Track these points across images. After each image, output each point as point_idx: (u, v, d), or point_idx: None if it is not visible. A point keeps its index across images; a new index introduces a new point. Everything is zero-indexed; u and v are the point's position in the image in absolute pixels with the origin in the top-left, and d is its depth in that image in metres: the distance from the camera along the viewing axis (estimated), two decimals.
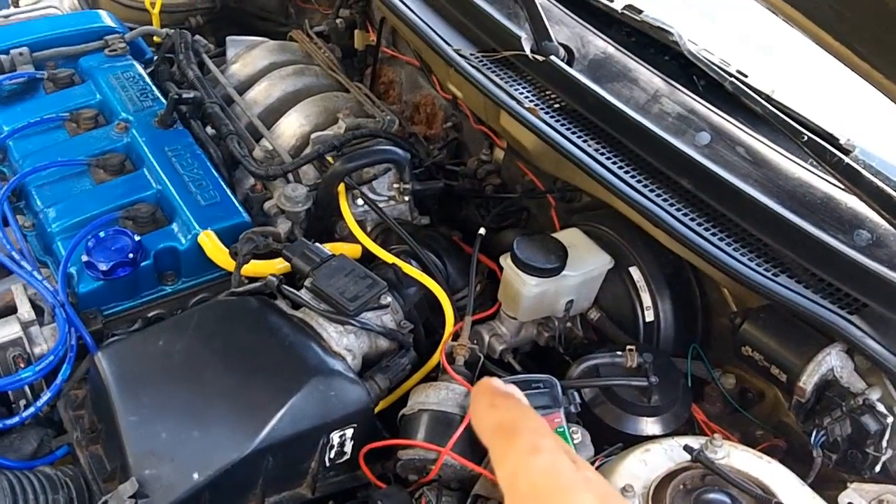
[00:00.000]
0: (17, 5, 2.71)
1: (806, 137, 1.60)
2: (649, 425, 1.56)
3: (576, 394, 1.53)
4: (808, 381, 1.47)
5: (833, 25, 1.26)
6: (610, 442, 1.48)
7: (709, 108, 1.86)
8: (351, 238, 1.91)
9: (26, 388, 1.60)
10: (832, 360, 1.48)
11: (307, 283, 1.66)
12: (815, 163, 1.66)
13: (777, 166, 1.74)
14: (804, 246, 1.55)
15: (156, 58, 2.37)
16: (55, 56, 2.22)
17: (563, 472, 0.78)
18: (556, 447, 0.82)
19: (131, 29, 2.40)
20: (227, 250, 1.74)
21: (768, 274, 1.53)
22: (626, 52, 2.02)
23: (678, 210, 1.64)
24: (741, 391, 1.70)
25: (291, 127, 2.15)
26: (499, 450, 0.86)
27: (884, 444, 1.42)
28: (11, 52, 2.16)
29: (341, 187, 1.93)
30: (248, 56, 2.41)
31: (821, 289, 1.52)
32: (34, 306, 1.67)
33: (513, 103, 1.85)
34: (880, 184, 1.48)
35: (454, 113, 2.40)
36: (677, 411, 1.58)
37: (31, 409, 1.57)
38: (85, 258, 1.67)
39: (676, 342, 1.78)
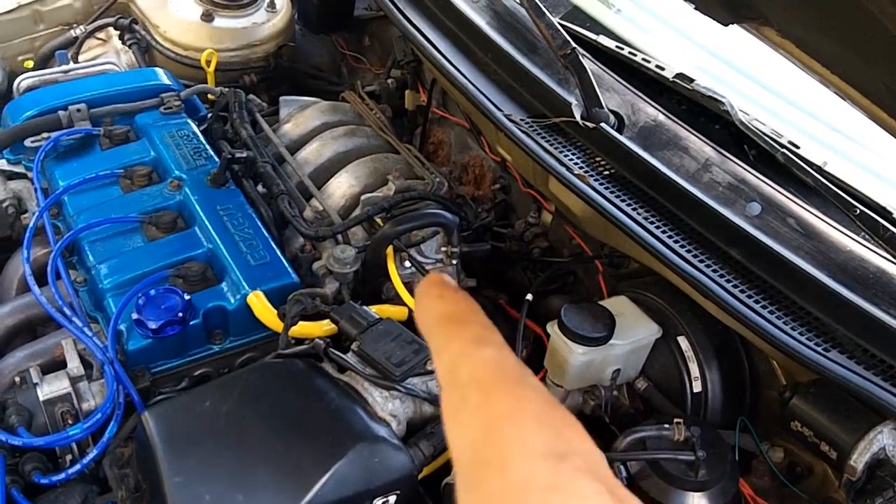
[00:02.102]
0: (76, 61, 2.77)
1: (858, 210, 1.59)
2: (696, 500, 1.53)
3: (622, 467, 1.51)
4: (859, 459, 1.44)
5: (887, 103, 1.25)
6: None
7: (760, 179, 1.83)
8: (397, 300, 1.91)
9: (73, 444, 1.61)
10: (884, 439, 1.45)
11: (354, 346, 1.67)
12: (867, 236, 1.65)
13: (829, 239, 1.71)
14: (856, 321, 1.52)
15: (210, 115, 2.40)
16: (112, 112, 2.25)
17: (509, 365, 0.71)
18: (503, 343, 0.73)
19: (187, 86, 2.44)
20: (275, 311, 1.75)
21: (819, 349, 1.50)
22: (676, 120, 2.01)
23: (727, 281, 1.62)
24: (789, 465, 1.66)
25: (342, 187, 2.16)
26: (440, 339, 0.76)
27: None
28: (69, 108, 2.19)
29: (389, 250, 1.93)
30: (300, 116, 2.44)
31: (873, 365, 1.49)
32: (83, 361, 1.68)
33: (562, 169, 1.85)
34: None
35: (503, 175, 2.40)
36: (725, 486, 1.56)
37: (77, 466, 1.57)
38: (135, 316, 1.68)
39: (724, 413, 1.75)
